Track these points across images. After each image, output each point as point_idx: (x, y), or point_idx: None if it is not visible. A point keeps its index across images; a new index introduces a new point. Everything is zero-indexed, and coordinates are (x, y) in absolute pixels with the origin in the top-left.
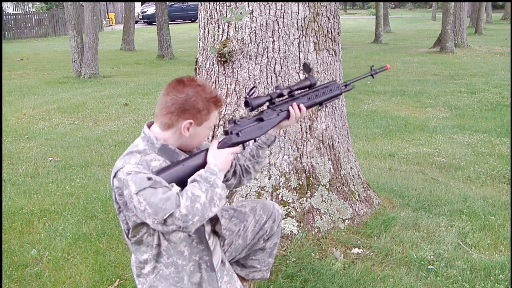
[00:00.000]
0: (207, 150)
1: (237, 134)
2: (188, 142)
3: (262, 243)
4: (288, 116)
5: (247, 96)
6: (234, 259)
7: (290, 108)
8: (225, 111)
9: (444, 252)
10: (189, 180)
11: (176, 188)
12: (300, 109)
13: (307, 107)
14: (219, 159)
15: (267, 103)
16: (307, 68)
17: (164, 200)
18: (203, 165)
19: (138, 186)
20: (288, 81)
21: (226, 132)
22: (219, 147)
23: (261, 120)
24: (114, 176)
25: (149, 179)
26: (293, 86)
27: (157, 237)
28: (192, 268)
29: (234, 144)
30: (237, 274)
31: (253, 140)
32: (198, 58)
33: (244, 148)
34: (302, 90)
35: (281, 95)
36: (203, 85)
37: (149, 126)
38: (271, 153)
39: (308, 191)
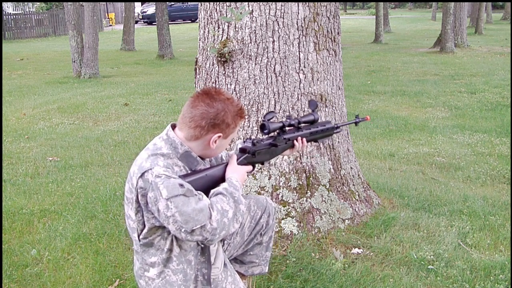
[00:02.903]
0: (226, 164)
1: (253, 154)
2: (212, 152)
3: (259, 238)
4: (292, 146)
5: (265, 120)
6: (232, 256)
7: (295, 141)
8: None
9: (444, 252)
10: (213, 191)
11: (207, 200)
12: (302, 143)
13: (308, 141)
14: (239, 175)
15: (279, 130)
16: (313, 104)
17: (198, 211)
18: (222, 177)
19: (170, 192)
20: (288, 81)
21: (243, 150)
22: (238, 164)
23: (275, 146)
24: (141, 176)
25: (181, 185)
26: (301, 119)
27: (170, 242)
28: (192, 278)
29: (250, 163)
30: (236, 271)
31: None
32: (198, 58)
33: (254, 168)
34: (306, 124)
35: (290, 125)
36: (231, 98)
37: (172, 128)
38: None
39: (308, 191)
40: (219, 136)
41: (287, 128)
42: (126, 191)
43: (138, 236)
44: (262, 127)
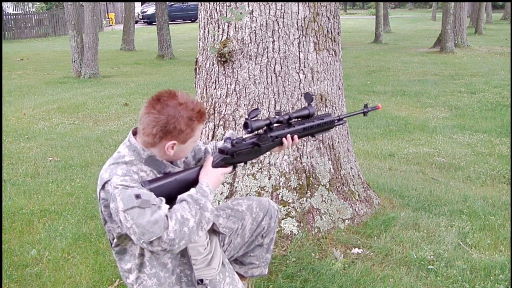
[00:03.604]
0: (201, 167)
1: (232, 155)
2: (173, 157)
3: (260, 239)
4: (281, 144)
5: (248, 118)
6: (233, 257)
7: (284, 138)
8: (225, 111)
9: (444, 252)
10: (179, 198)
11: (165, 208)
12: (292, 139)
13: (300, 137)
14: (211, 178)
15: (265, 127)
16: (309, 98)
17: (152, 223)
18: (195, 181)
19: (126, 205)
20: (288, 81)
21: (221, 151)
22: (213, 166)
23: (258, 145)
24: (102, 188)
25: (137, 196)
26: (292, 114)
27: (140, 247)
28: (174, 280)
29: (228, 165)
30: (236, 272)
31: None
32: (198, 58)
33: (234, 168)
34: (299, 119)
35: (279, 121)
36: (184, 102)
37: (134, 133)
38: (270, 153)
39: (308, 191)
40: (174, 144)
41: (275, 125)
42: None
43: (111, 245)
44: (245, 126)
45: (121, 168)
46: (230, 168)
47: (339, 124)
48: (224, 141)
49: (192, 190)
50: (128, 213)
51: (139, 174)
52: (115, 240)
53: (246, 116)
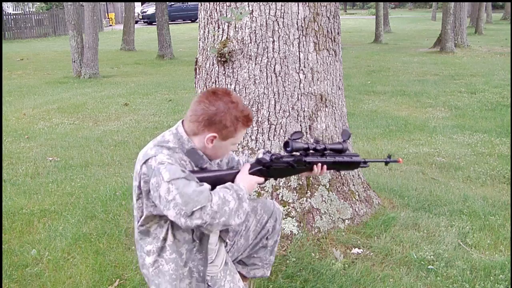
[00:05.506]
0: (238, 171)
1: (268, 168)
2: (211, 152)
3: (264, 241)
4: (311, 170)
5: (290, 138)
6: (237, 259)
7: (315, 166)
8: None
9: (444, 252)
10: (219, 186)
11: (208, 185)
12: (321, 168)
13: (328, 168)
14: (247, 183)
15: (302, 151)
16: (346, 134)
17: (198, 192)
18: (231, 182)
19: (172, 175)
20: (288, 81)
21: (258, 162)
22: (250, 173)
23: (292, 166)
24: (144, 163)
25: (183, 171)
26: (328, 145)
27: (165, 231)
28: (186, 273)
29: (263, 176)
30: (238, 272)
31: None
32: (198, 58)
33: (265, 181)
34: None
35: (315, 149)
36: (236, 102)
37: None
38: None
39: (308, 191)
40: (214, 137)
41: (311, 151)
42: (133, 179)
43: (138, 221)
44: (286, 145)
45: (166, 151)
46: (262, 179)
47: (362, 167)
48: (264, 153)
49: (230, 183)
50: (173, 183)
51: (180, 162)
52: (142, 219)
53: (289, 136)
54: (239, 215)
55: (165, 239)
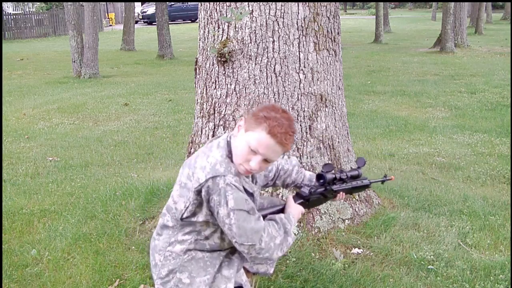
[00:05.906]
0: (283, 207)
1: (308, 200)
2: (233, 150)
3: None
4: (335, 197)
5: (323, 172)
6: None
7: (339, 194)
8: (225, 111)
9: (444, 252)
10: (268, 217)
11: (263, 222)
12: (342, 195)
13: (346, 193)
14: (296, 212)
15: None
16: (361, 162)
17: (254, 232)
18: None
19: (236, 205)
20: (288, 81)
21: (299, 194)
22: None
23: (325, 196)
24: (212, 178)
25: (247, 201)
26: (348, 173)
27: (211, 232)
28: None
29: (304, 207)
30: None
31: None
32: (198, 58)
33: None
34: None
35: (341, 178)
36: (288, 118)
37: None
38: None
39: None
40: (244, 122)
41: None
42: (183, 175)
43: (182, 214)
44: (320, 177)
45: (233, 169)
46: (304, 210)
47: (369, 188)
48: (301, 187)
49: (281, 215)
50: (235, 213)
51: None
52: (187, 213)
53: (322, 169)
54: (283, 249)
55: (207, 237)
